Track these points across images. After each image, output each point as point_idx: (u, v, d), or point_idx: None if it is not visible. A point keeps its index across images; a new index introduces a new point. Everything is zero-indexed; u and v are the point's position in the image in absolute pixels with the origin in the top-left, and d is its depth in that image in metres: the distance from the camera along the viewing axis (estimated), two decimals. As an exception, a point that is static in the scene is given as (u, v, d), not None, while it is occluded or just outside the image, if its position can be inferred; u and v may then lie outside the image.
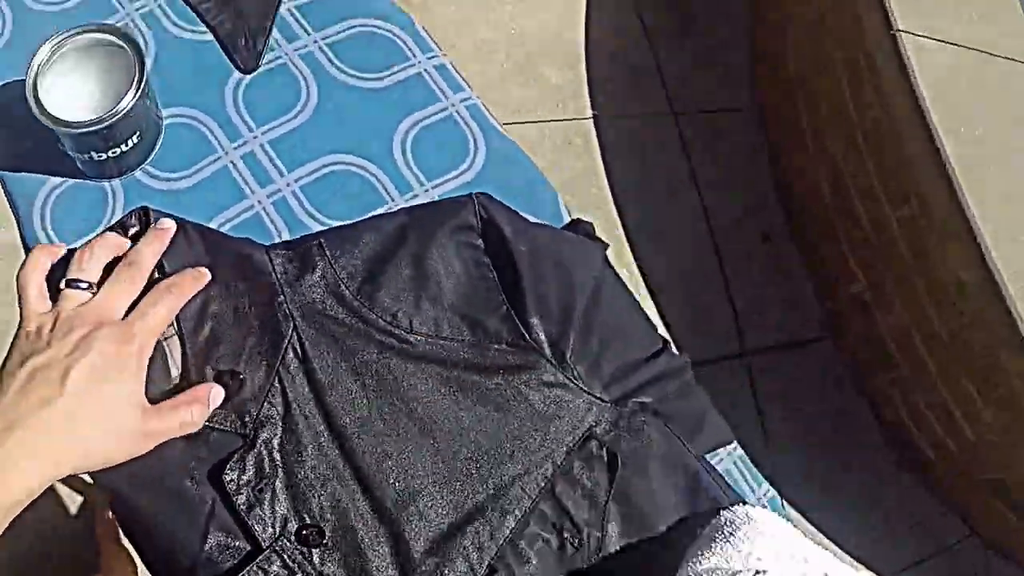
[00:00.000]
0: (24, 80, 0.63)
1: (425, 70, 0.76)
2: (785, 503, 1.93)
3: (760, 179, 2.26)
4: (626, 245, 2.05)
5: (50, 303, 0.58)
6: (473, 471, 0.65)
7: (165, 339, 0.63)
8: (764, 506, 0.73)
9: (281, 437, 0.63)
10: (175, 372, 0.63)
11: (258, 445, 0.62)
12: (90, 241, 0.60)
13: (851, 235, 2.03)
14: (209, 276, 0.63)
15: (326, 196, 0.71)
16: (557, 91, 2.18)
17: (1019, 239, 1.66)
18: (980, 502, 2.03)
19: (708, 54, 2.34)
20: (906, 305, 1.92)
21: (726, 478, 0.72)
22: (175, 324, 0.63)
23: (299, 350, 0.65)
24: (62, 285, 0.58)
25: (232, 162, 0.71)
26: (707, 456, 0.72)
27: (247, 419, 0.63)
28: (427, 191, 0.72)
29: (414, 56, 0.77)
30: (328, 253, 0.67)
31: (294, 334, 0.65)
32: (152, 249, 0.61)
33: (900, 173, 1.85)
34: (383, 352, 0.66)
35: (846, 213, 2.03)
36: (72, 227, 0.69)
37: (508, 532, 0.63)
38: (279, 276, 0.66)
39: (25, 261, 0.60)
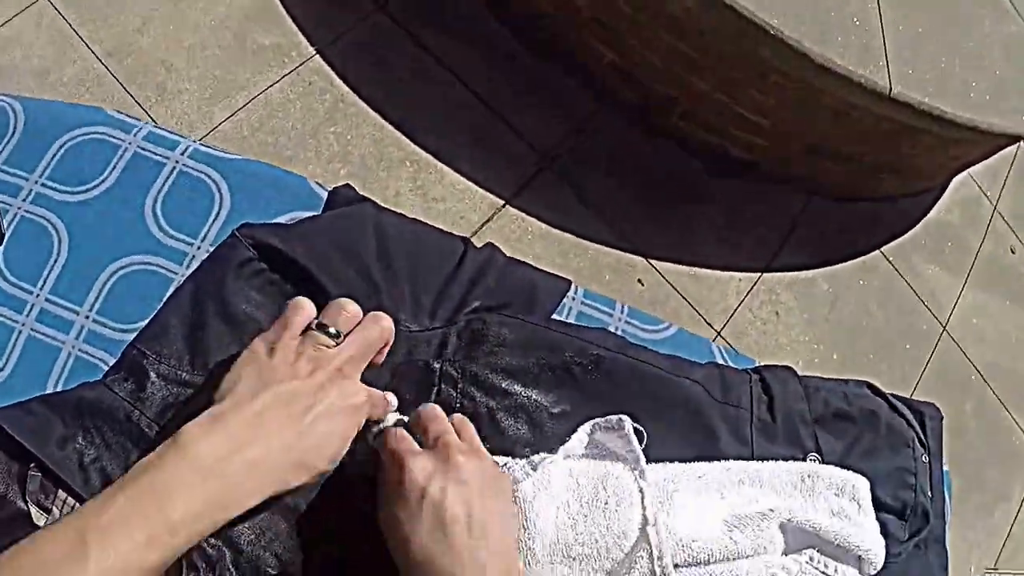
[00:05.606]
0: None
1: (138, 147, 0.79)
2: (652, 262, 2.13)
3: (479, 15, 2.36)
4: (404, 139, 2.17)
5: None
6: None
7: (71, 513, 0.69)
8: (628, 321, 0.78)
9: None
10: None
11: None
12: (342, 300, 0.65)
13: (582, 21, 2.14)
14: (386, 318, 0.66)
15: (122, 306, 0.75)
16: (276, 49, 2.24)
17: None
18: (807, 169, 2.30)
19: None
20: (653, 51, 2.05)
21: (582, 320, 0.77)
22: (66, 492, 0.69)
23: (177, 445, 0.70)
24: (313, 325, 0.63)
25: (32, 329, 0.75)
26: (557, 315, 0.77)
27: None
28: (199, 248, 0.76)
29: (121, 140, 0.79)
30: (150, 354, 0.72)
31: (162, 437, 0.70)
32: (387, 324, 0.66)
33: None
34: (243, 403, 0.71)
35: (568, 8, 2.14)
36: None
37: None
38: (125, 398, 0.71)
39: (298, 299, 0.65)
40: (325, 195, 0.78)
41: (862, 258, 2.50)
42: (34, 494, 0.69)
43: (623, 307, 0.79)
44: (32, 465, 0.69)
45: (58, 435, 0.69)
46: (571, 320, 0.78)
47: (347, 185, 0.78)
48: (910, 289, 2.56)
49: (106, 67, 2.15)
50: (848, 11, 1.90)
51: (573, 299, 0.78)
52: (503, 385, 0.73)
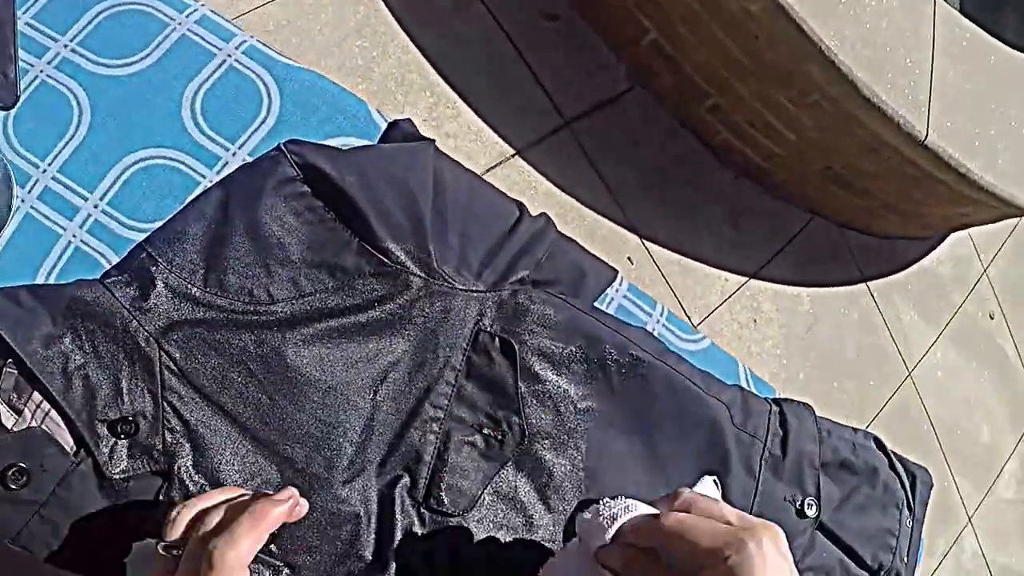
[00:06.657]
0: None
1: (188, 30, 0.71)
2: (646, 243, 2.10)
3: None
4: (429, 68, 2.09)
5: None
6: (388, 404, 0.65)
7: (44, 418, 0.61)
8: (665, 325, 0.74)
9: (194, 458, 0.62)
10: (70, 446, 0.61)
11: (176, 475, 0.62)
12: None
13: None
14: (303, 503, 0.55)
15: (137, 201, 0.67)
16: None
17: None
18: (816, 189, 2.32)
19: None
20: (703, 42, 2.03)
21: (621, 315, 0.72)
22: (42, 395, 0.61)
23: (174, 367, 0.63)
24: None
25: (32, 207, 0.67)
26: (599, 303, 0.72)
27: (155, 454, 0.61)
28: (235, 154, 0.69)
29: (171, 19, 0.71)
30: (161, 260, 0.64)
31: (162, 353, 0.63)
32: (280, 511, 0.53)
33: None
34: (254, 332, 0.64)
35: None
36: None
37: (434, 450, 0.64)
38: (124, 303, 0.63)
39: None
40: (384, 125, 0.71)
41: (849, 287, 2.51)
42: (6, 392, 0.61)
43: (663, 309, 0.75)
44: (9, 360, 0.61)
45: (44, 333, 0.62)
46: (610, 311, 0.73)
47: (408, 120, 0.71)
48: (887, 328, 2.58)
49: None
50: (904, 51, 1.88)
51: (616, 290, 0.73)
52: (536, 368, 0.67)
